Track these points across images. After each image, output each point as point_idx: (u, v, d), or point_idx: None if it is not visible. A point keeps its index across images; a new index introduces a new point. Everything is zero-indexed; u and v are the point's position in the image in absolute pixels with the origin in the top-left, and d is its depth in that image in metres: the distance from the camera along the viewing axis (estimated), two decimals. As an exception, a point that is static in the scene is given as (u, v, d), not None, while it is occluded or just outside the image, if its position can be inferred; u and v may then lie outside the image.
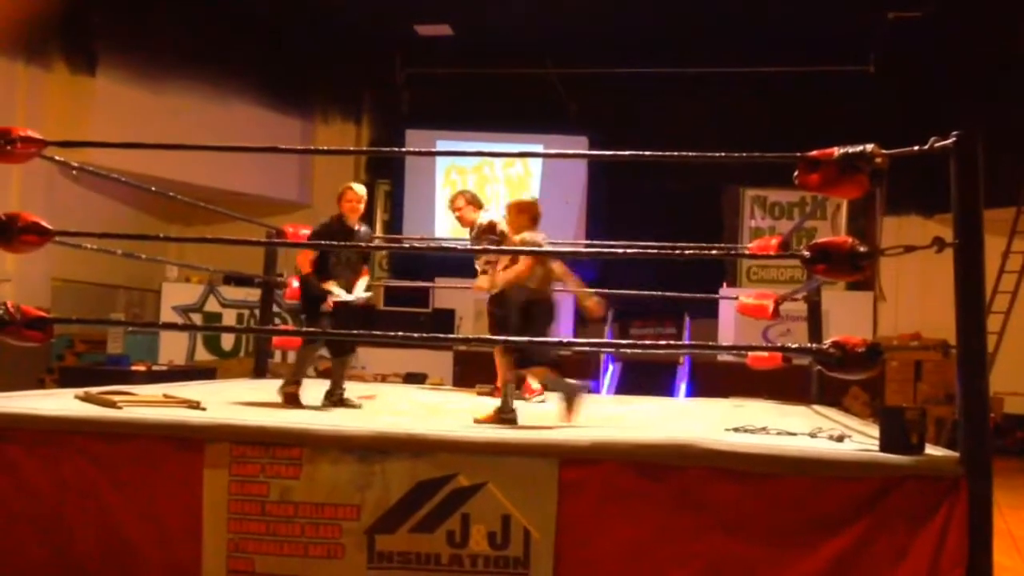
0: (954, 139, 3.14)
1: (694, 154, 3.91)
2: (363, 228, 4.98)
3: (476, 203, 5.97)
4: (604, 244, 7.90)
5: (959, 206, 3.14)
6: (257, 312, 7.60)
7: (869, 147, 3.20)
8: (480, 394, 5.87)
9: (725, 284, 11.36)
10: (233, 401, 4.53)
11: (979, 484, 2.99)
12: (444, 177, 12.52)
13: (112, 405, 3.81)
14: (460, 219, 6.03)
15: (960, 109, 10.07)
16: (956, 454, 3.08)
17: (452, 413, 4.56)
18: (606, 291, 8.69)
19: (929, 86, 10.93)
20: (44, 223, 3.75)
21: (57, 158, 4.50)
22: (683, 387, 10.20)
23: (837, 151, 3.24)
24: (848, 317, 10.32)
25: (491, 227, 5.76)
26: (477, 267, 5.85)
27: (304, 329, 4.05)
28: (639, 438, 3.38)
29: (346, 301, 4.74)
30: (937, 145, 3.17)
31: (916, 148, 3.23)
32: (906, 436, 3.11)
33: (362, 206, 4.92)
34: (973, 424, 3.06)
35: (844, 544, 3.03)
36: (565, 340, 4.40)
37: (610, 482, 3.17)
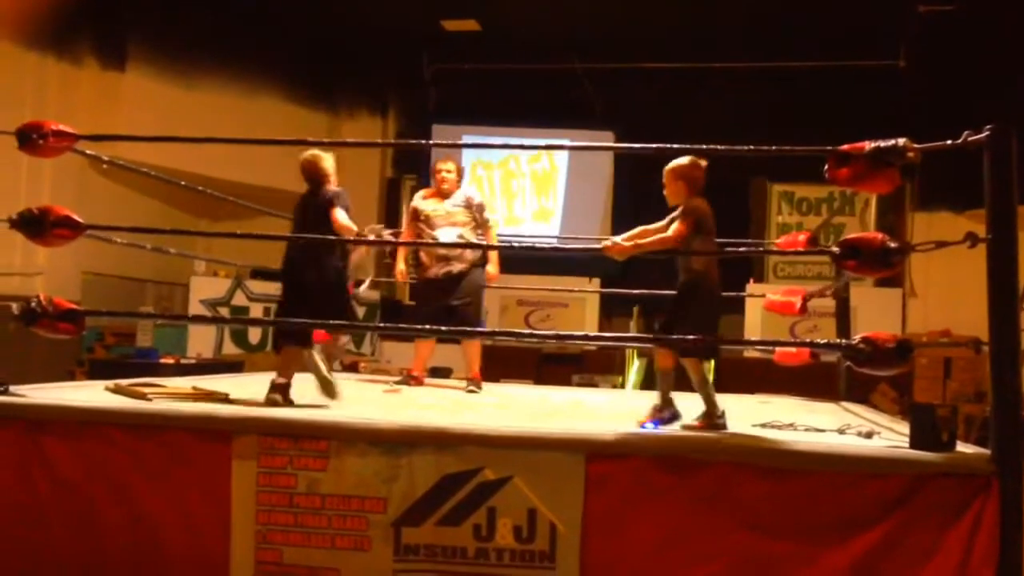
0: (988, 133, 3.10)
1: (722, 147, 3.88)
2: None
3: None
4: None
5: (992, 201, 3.10)
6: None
7: (901, 141, 3.17)
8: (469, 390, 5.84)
9: (752, 280, 11.29)
10: (261, 393, 4.55)
11: (1011, 482, 2.95)
12: (471, 172, 12.51)
13: (142, 397, 3.85)
14: (447, 190, 6.03)
15: (992, 103, 9.94)
16: (987, 452, 3.04)
17: (476, 407, 4.56)
18: (632, 290, 8.70)
19: (960, 80, 10.78)
20: (76, 217, 3.79)
21: (88, 152, 4.55)
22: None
23: (868, 145, 3.20)
24: (876, 313, 10.24)
25: (483, 206, 6.04)
26: (459, 235, 5.84)
27: (331, 321, 4.05)
28: (666, 432, 3.38)
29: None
30: (971, 139, 3.13)
31: (949, 142, 3.19)
32: (937, 433, 3.08)
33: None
34: (1005, 422, 3.03)
35: (872, 541, 3.00)
36: (591, 335, 4.36)
37: (637, 477, 3.16)
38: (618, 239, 3.71)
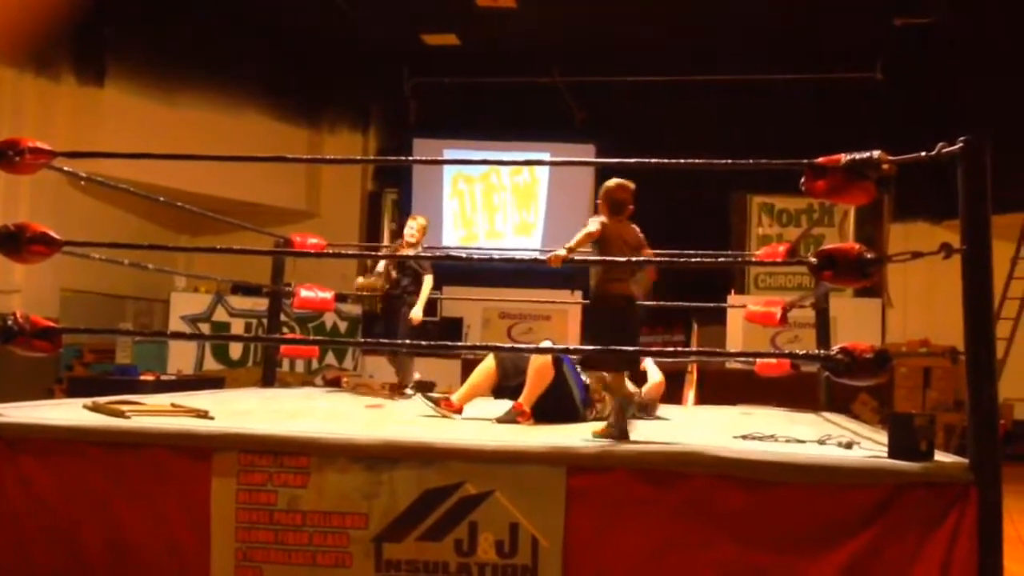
0: (961, 145, 3.13)
1: (701, 161, 3.91)
2: None
3: None
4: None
5: (966, 211, 3.13)
6: (265, 321, 7.60)
7: (876, 153, 3.20)
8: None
9: (733, 291, 11.35)
10: (241, 410, 4.53)
11: (989, 490, 2.97)
12: (451, 186, 12.55)
13: (120, 415, 3.81)
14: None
15: (968, 115, 10.06)
16: (966, 460, 3.06)
17: (458, 422, 4.55)
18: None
19: (937, 92, 10.92)
20: (53, 233, 3.76)
21: (66, 169, 4.52)
22: (691, 394, 10.17)
23: (844, 158, 3.23)
24: (856, 324, 10.31)
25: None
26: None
27: (311, 337, 4.04)
28: (647, 446, 3.38)
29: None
30: (944, 151, 3.16)
31: (923, 154, 3.22)
32: (915, 443, 3.10)
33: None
34: (982, 430, 3.05)
35: (853, 551, 3.01)
36: (572, 348, 4.37)
37: (618, 490, 3.16)
38: (559, 251, 3.80)
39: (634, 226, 3.97)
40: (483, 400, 4.85)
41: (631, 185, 3.90)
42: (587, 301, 3.85)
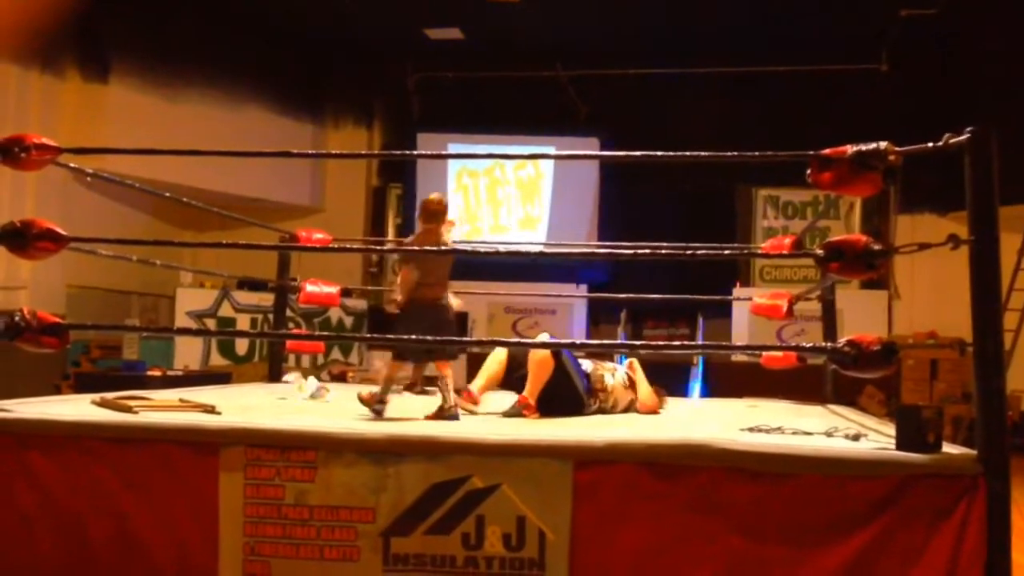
0: (968, 135, 3.12)
1: (706, 154, 3.90)
2: None
3: None
4: (617, 245, 7.89)
5: (973, 203, 3.12)
6: (271, 316, 7.62)
7: (882, 145, 3.18)
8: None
9: (739, 284, 11.33)
10: (248, 405, 4.54)
11: (997, 482, 2.96)
12: (456, 180, 12.54)
13: (128, 410, 3.82)
14: None
15: (975, 106, 10.03)
16: (974, 452, 3.05)
17: (464, 416, 4.55)
18: (620, 295, 8.70)
19: (943, 83, 10.88)
20: (59, 229, 3.77)
21: (72, 165, 4.53)
22: (697, 387, 10.18)
23: (850, 149, 3.22)
24: (863, 316, 10.30)
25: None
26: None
27: (316, 333, 4.05)
28: (654, 439, 3.38)
29: None
30: (951, 142, 3.15)
31: (930, 145, 3.21)
32: (923, 434, 3.09)
33: None
34: (990, 422, 3.04)
35: (861, 543, 3.00)
36: (579, 342, 4.40)
37: (625, 483, 3.16)
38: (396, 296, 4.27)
39: (445, 236, 4.27)
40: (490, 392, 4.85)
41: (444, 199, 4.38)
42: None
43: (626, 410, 4.86)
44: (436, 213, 4.22)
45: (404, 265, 4.29)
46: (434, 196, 4.31)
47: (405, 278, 4.15)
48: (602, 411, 4.69)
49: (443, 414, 4.01)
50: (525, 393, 4.41)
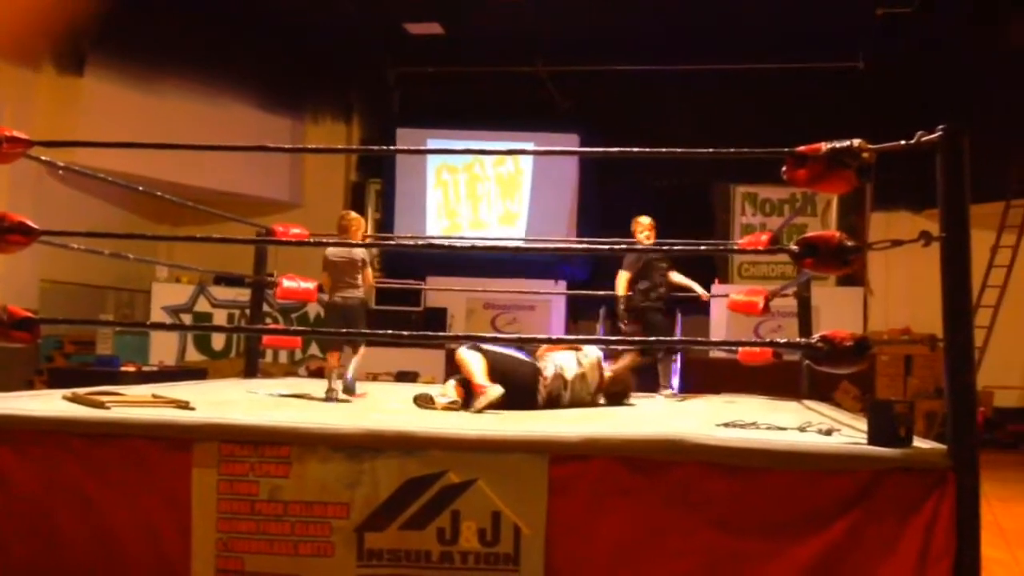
0: (940, 133, 3.14)
1: (683, 150, 3.91)
2: None
3: None
4: (595, 241, 7.91)
5: (945, 200, 3.14)
6: (247, 312, 7.57)
7: (855, 142, 3.21)
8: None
9: (716, 281, 11.38)
10: (223, 400, 4.52)
11: (966, 476, 2.99)
12: (435, 176, 12.52)
13: (100, 405, 3.79)
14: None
15: (949, 104, 10.10)
16: (944, 447, 3.08)
17: (438, 412, 4.54)
18: (599, 292, 8.70)
19: (918, 81, 10.96)
20: (30, 223, 3.73)
21: (44, 158, 4.48)
22: (674, 383, 10.20)
23: (824, 146, 3.24)
24: (838, 312, 10.37)
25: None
26: None
27: (292, 328, 4.03)
28: (629, 434, 3.39)
29: None
30: (923, 139, 3.17)
31: (902, 143, 3.23)
32: (894, 429, 3.12)
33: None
34: (960, 417, 3.07)
35: (833, 537, 3.03)
36: (554, 338, 4.45)
37: (600, 478, 3.17)
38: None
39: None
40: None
41: (353, 215, 5.58)
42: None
43: (600, 385, 5.09)
44: (345, 228, 5.44)
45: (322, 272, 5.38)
46: (349, 214, 5.61)
47: (325, 283, 5.41)
48: (562, 379, 4.87)
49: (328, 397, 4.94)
50: (475, 384, 4.50)
